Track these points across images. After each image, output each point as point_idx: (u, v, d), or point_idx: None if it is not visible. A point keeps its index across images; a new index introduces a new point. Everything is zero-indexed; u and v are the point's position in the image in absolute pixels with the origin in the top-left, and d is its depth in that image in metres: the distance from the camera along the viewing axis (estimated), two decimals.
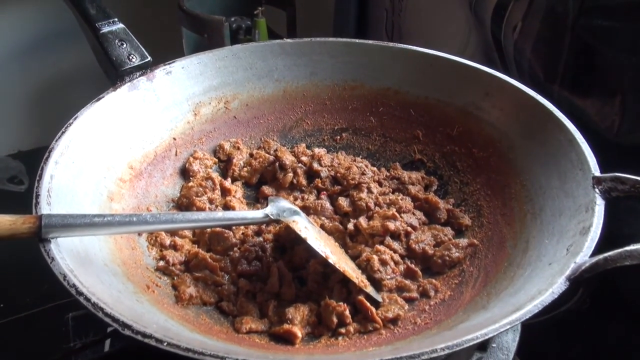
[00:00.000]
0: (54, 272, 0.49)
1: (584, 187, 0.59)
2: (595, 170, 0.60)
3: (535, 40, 1.06)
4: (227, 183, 0.76)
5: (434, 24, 1.42)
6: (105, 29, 0.75)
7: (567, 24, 0.94)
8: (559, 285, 0.48)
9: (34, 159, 0.68)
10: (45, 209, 0.56)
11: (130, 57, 0.75)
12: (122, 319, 0.45)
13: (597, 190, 0.57)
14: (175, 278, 0.62)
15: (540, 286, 0.49)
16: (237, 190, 0.76)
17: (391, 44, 0.82)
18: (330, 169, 0.77)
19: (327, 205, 0.73)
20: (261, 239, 0.68)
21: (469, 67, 0.77)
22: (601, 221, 0.54)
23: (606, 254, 0.49)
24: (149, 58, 0.76)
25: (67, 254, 0.51)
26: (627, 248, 0.48)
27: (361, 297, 0.59)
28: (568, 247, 0.53)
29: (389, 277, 0.63)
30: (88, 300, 0.46)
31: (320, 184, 0.75)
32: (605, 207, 0.56)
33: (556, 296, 0.47)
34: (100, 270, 0.54)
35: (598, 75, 0.93)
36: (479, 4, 1.22)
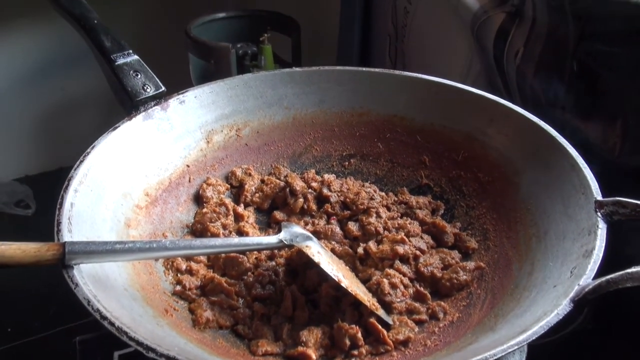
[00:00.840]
0: (78, 297, 0.52)
1: (586, 211, 0.61)
2: (597, 195, 0.63)
3: (537, 65, 1.09)
4: (240, 209, 0.79)
5: (437, 49, 1.46)
6: (121, 61, 0.79)
7: (568, 49, 0.97)
8: (563, 307, 0.50)
9: (40, 183, 0.71)
10: (66, 236, 0.58)
11: (145, 88, 0.78)
12: (146, 343, 0.47)
13: (599, 214, 0.60)
14: (192, 302, 0.65)
15: (546, 308, 0.52)
16: (250, 216, 0.79)
17: (397, 72, 0.86)
18: (339, 194, 0.79)
19: (337, 229, 0.75)
20: (274, 263, 0.71)
21: (474, 94, 0.81)
22: (603, 244, 0.57)
23: (608, 277, 0.51)
24: (163, 88, 0.79)
25: (90, 280, 0.54)
26: (629, 270, 0.51)
27: (372, 320, 0.61)
28: (572, 270, 0.56)
29: (399, 300, 0.65)
30: (112, 324, 0.48)
31: (330, 209, 0.78)
32: (607, 230, 0.59)
33: (561, 317, 0.50)
34: (121, 294, 0.57)
35: (599, 99, 0.95)
36: (480, 29, 1.25)
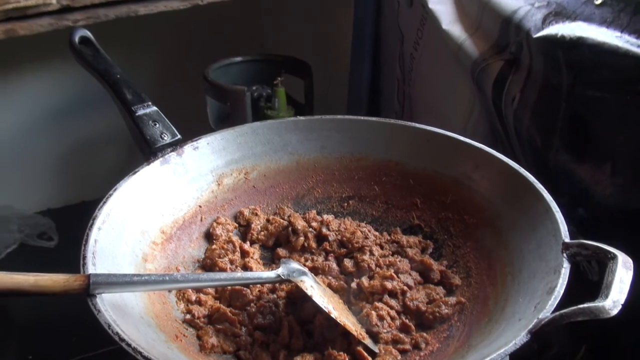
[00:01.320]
0: (100, 323, 0.60)
1: (555, 252, 0.69)
2: (566, 237, 0.70)
3: (533, 110, 1.16)
4: (246, 246, 0.87)
5: (441, 93, 1.54)
6: (141, 112, 0.88)
7: (562, 95, 1.03)
8: (520, 338, 0.58)
9: (62, 217, 0.80)
10: (90, 268, 0.67)
11: (162, 136, 0.87)
12: None
13: (564, 254, 0.67)
14: (200, 330, 0.73)
15: (508, 338, 0.59)
16: (255, 252, 0.87)
17: (392, 121, 0.94)
18: (337, 233, 0.88)
19: (334, 266, 0.83)
20: (275, 296, 0.79)
21: (461, 142, 0.89)
22: (565, 282, 0.64)
23: (562, 311, 0.59)
24: (179, 136, 0.89)
25: (110, 307, 0.62)
26: (581, 306, 0.58)
27: (359, 348, 0.69)
28: (536, 305, 0.63)
29: (385, 330, 0.73)
30: (129, 345, 0.57)
31: (328, 247, 0.86)
32: (570, 270, 0.66)
33: (518, 346, 0.57)
34: (137, 321, 0.65)
35: (590, 142, 1.01)
36: (480, 75, 1.33)
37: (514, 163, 0.83)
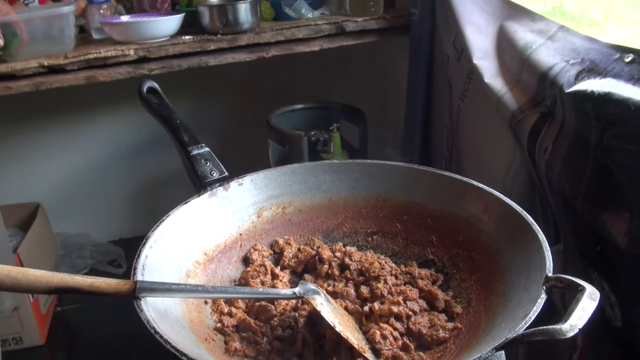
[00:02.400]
0: (143, 323, 0.75)
1: (537, 285, 0.79)
2: (549, 272, 0.80)
3: (564, 160, 1.24)
4: (277, 270, 1.01)
5: (484, 141, 1.65)
6: (195, 152, 1.05)
7: (590, 146, 1.10)
8: (485, 352, 0.69)
9: (132, 246, 0.96)
10: (139, 277, 0.83)
11: (212, 173, 1.04)
12: (186, 353, 0.70)
13: (544, 287, 0.77)
14: (227, 336, 0.88)
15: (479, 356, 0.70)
16: (285, 276, 1.01)
17: (414, 166, 1.07)
18: (358, 263, 1.00)
19: (352, 291, 0.96)
20: (297, 314, 0.92)
21: (474, 186, 1.00)
22: (538, 310, 0.74)
23: (524, 331, 0.69)
24: (226, 173, 1.05)
25: (152, 309, 0.77)
26: (541, 327, 0.68)
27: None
28: (510, 329, 0.74)
29: (387, 348, 0.85)
30: (161, 337, 0.71)
31: (349, 275, 0.99)
32: (546, 300, 0.76)
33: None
34: (174, 323, 0.80)
35: (614, 192, 1.09)
36: (517, 126, 1.42)
37: (516, 206, 0.93)
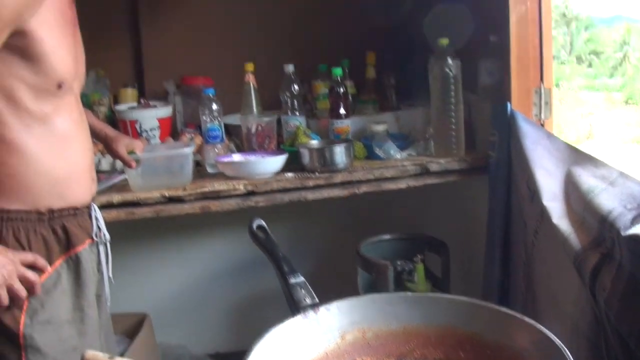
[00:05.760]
0: None
1: None
2: None
3: (620, 300, 1.43)
4: None
5: (555, 277, 1.82)
6: (292, 280, 1.33)
7: None
8: None
9: None
10: None
11: (305, 299, 1.31)
12: None
13: None
14: None
15: None
16: None
17: (475, 301, 1.29)
18: None
19: None
20: None
21: (524, 322, 1.20)
22: None
23: None
24: (317, 300, 1.31)
25: None
26: None
27: None
28: None
29: None
30: None
31: None
32: None
33: None
34: None
35: None
36: (580, 265, 1.59)
37: (558, 341, 1.14)
